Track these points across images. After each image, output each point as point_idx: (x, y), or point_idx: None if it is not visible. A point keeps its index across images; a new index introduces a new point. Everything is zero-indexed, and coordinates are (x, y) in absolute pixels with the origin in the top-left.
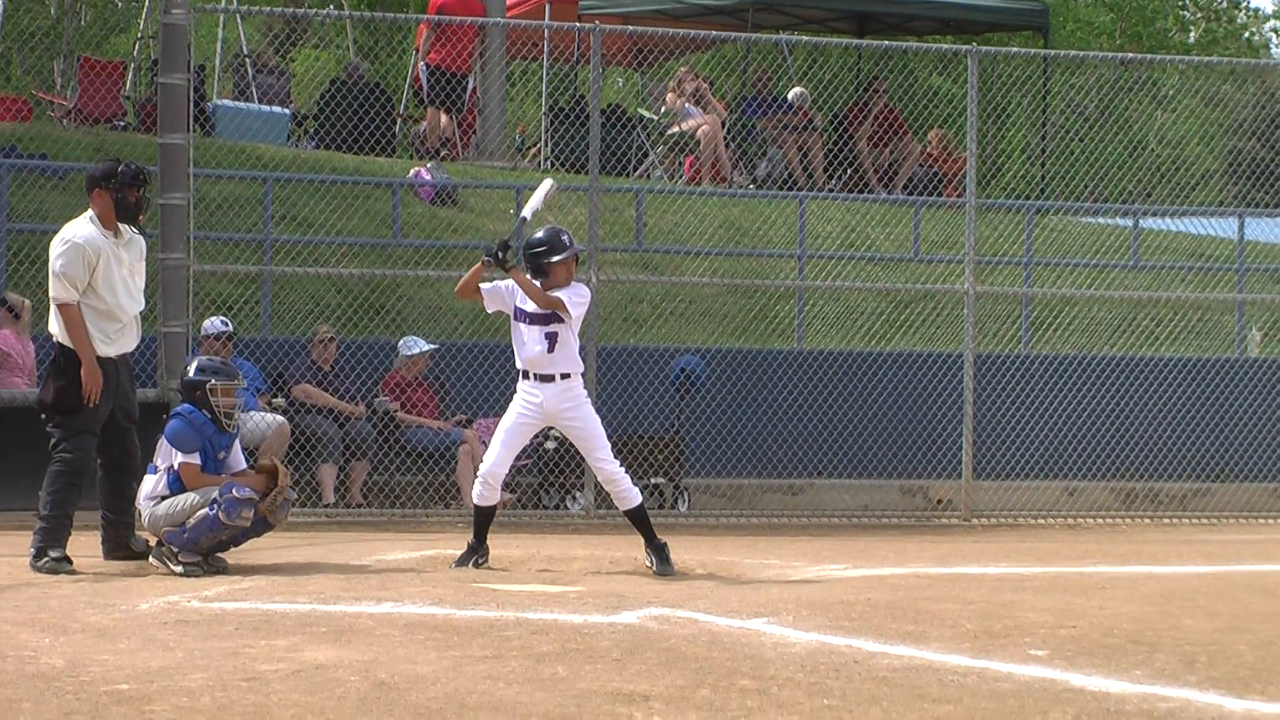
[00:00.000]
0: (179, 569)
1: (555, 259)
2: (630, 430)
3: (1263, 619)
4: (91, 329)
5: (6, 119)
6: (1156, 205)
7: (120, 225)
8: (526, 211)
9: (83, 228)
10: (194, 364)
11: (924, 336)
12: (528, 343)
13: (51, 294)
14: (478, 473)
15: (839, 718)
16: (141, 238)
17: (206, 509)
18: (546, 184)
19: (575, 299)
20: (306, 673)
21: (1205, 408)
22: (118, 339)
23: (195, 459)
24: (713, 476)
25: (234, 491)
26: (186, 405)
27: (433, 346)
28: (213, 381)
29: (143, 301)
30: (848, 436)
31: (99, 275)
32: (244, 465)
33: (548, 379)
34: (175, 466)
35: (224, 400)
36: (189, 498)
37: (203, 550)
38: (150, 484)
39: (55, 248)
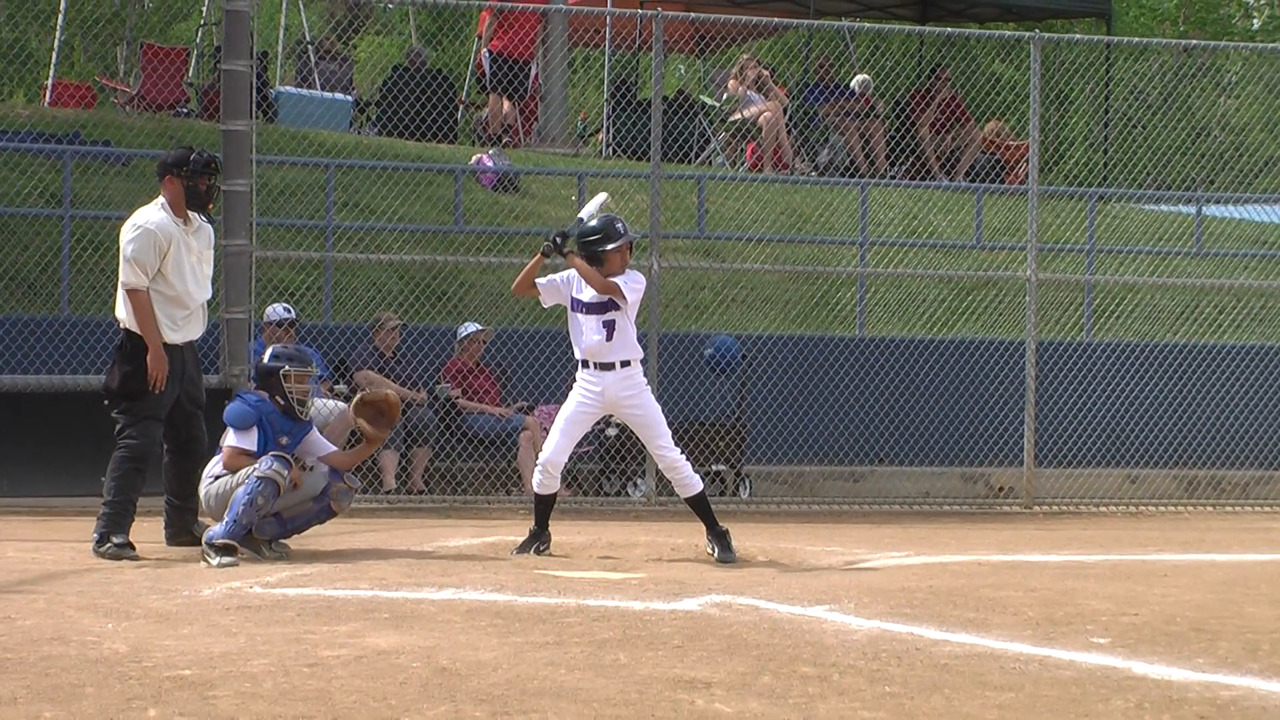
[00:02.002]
0: (215, 562)
1: (610, 247)
2: (692, 417)
3: None
4: (159, 315)
5: (70, 106)
6: (1219, 192)
7: (190, 213)
8: (583, 214)
9: (154, 214)
10: (268, 351)
11: (985, 324)
12: (585, 332)
13: (121, 279)
14: (537, 461)
15: (900, 705)
16: (210, 226)
17: (243, 486)
18: (601, 197)
19: (631, 284)
20: (368, 659)
21: (1268, 395)
22: (184, 326)
23: (249, 440)
24: (774, 464)
25: (272, 462)
26: (252, 394)
27: (485, 328)
28: (287, 367)
29: (210, 289)
30: (909, 424)
31: (169, 261)
32: (326, 450)
33: (608, 367)
34: (222, 448)
35: (297, 386)
36: (239, 475)
37: (261, 535)
38: (212, 463)
39: (126, 233)
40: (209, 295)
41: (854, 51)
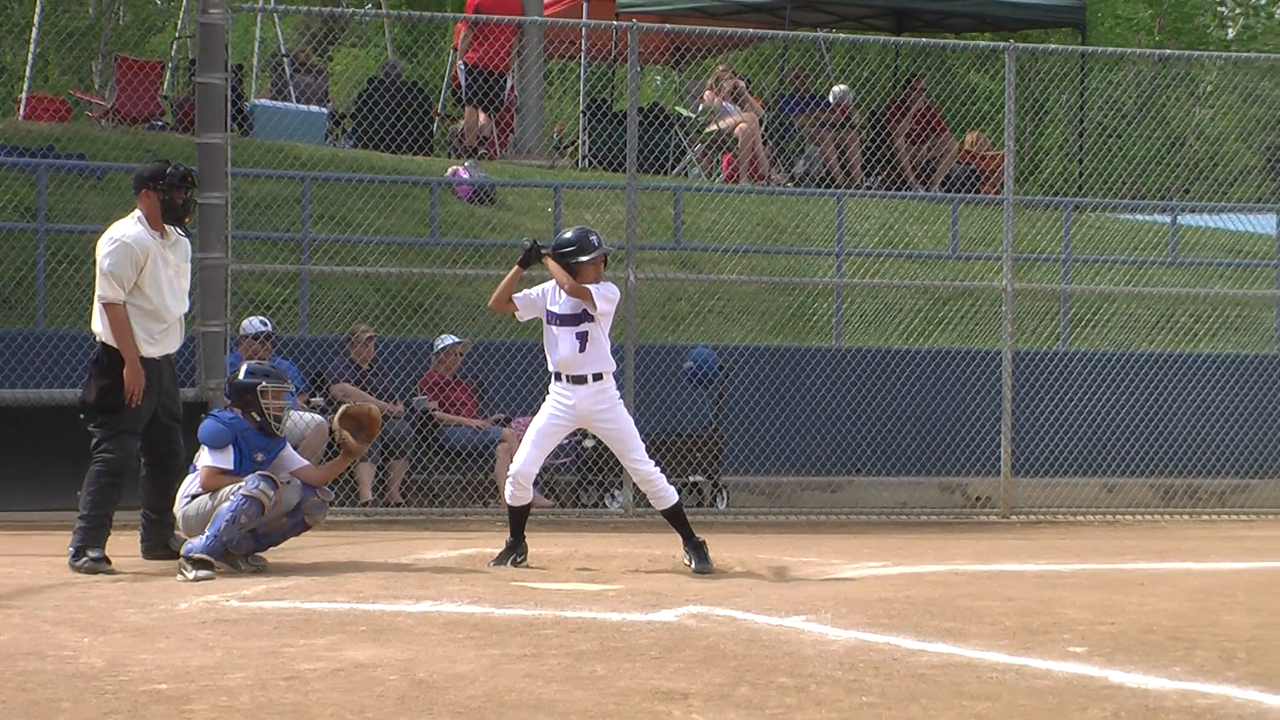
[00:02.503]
0: (191, 575)
1: (584, 259)
2: (669, 428)
3: None
4: (136, 329)
5: (45, 119)
6: (1195, 201)
7: (166, 226)
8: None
9: (131, 227)
10: (243, 367)
11: (962, 334)
12: (560, 344)
13: (98, 292)
14: (508, 472)
15: (878, 715)
16: (186, 239)
17: (227, 503)
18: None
19: (604, 294)
20: (345, 671)
21: (1244, 404)
22: (162, 339)
23: (224, 459)
24: (751, 474)
25: (259, 481)
26: (226, 412)
27: (461, 340)
28: (263, 384)
29: (187, 303)
30: (886, 434)
31: (146, 275)
32: (299, 465)
33: (580, 380)
34: (197, 466)
35: (274, 403)
36: (221, 493)
37: (236, 550)
38: (187, 482)
39: (103, 246)
40: (186, 309)
41: (830, 62)
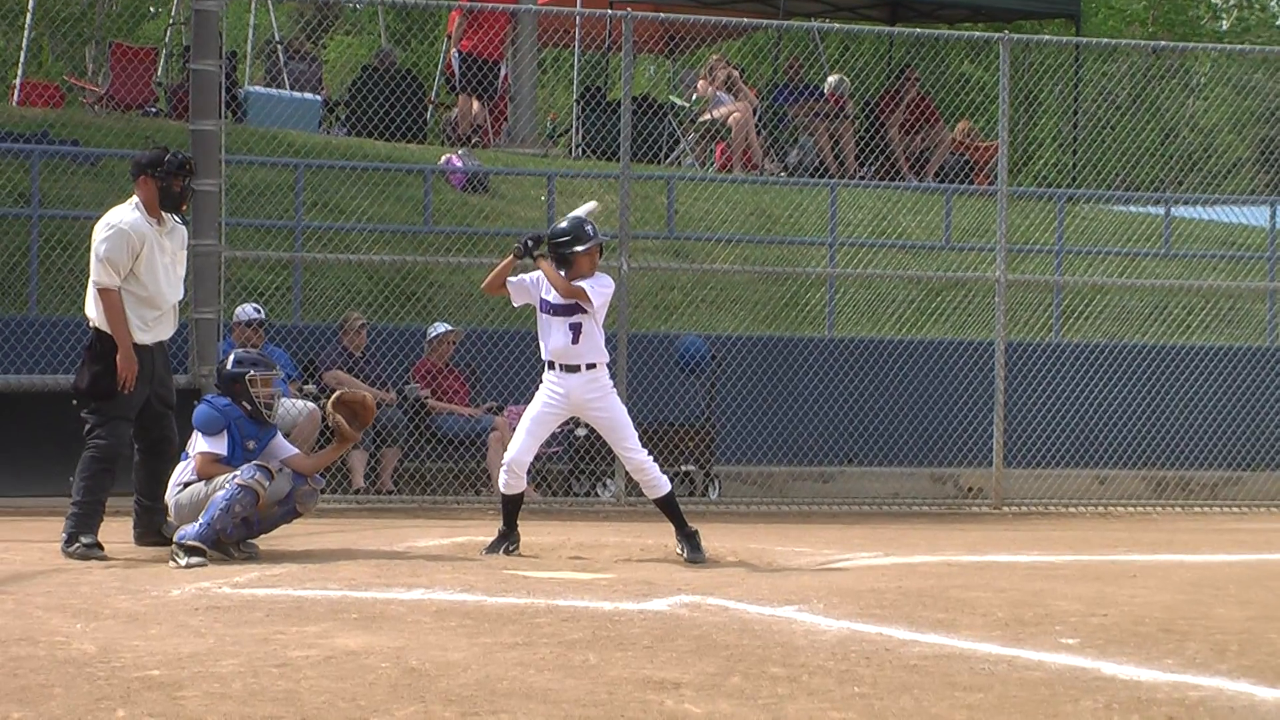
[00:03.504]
0: (183, 562)
1: (579, 249)
2: (661, 418)
3: None
4: (130, 315)
5: (39, 105)
6: (1188, 194)
7: (164, 213)
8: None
9: (128, 214)
10: (231, 356)
11: (955, 324)
12: (553, 334)
13: (93, 278)
14: (502, 460)
15: (870, 705)
16: (183, 227)
17: (222, 491)
18: (591, 205)
19: (598, 288)
20: (337, 659)
21: (1236, 396)
22: (155, 326)
23: (219, 445)
24: (743, 464)
25: (254, 471)
26: (220, 398)
27: (454, 328)
28: (252, 373)
29: (182, 290)
30: (878, 424)
31: (142, 262)
32: (289, 453)
33: (573, 369)
34: (190, 453)
35: (263, 391)
36: (216, 481)
37: (228, 538)
38: (179, 470)
39: (99, 232)
40: (181, 296)
41: (823, 52)
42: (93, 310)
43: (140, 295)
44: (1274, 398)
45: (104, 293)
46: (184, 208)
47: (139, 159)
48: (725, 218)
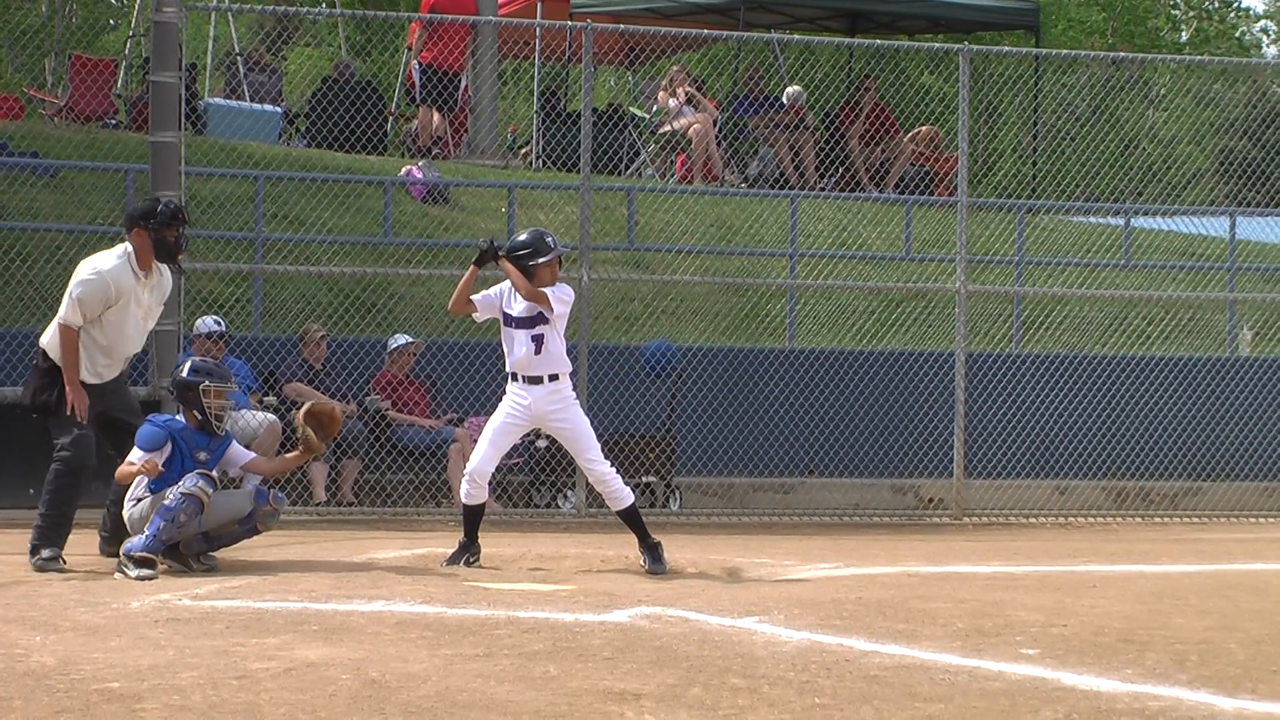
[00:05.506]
0: (134, 574)
1: (539, 261)
2: (622, 429)
3: (1253, 617)
4: (83, 355)
5: None
6: (1148, 204)
7: (155, 263)
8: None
9: (113, 263)
10: (187, 364)
11: (915, 335)
12: (515, 346)
13: (60, 311)
14: (465, 471)
15: (830, 716)
16: (169, 278)
17: (166, 500)
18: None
19: (560, 296)
20: (297, 671)
21: (1196, 407)
22: (104, 372)
23: (153, 458)
24: (704, 475)
25: (198, 480)
26: (161, 415)
27: (415, 340)
28: (206, 383)
29: (142, 343)
30: (839, 435)
31: (113, 312)
32: (248, 458)
33: (535, 381)
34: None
35: (216, 402)
36: (162, 494)
37: (188, 549)
38: (133, 486)
39: (81, 271)
40: (139, 349)
41: (783, 63)
42: (48, 337)
43: (100, 343)
44: (1233, 408)
45: (64, 329)
46: (180, 256)
47: (130, 211)
48: (686, 229)
